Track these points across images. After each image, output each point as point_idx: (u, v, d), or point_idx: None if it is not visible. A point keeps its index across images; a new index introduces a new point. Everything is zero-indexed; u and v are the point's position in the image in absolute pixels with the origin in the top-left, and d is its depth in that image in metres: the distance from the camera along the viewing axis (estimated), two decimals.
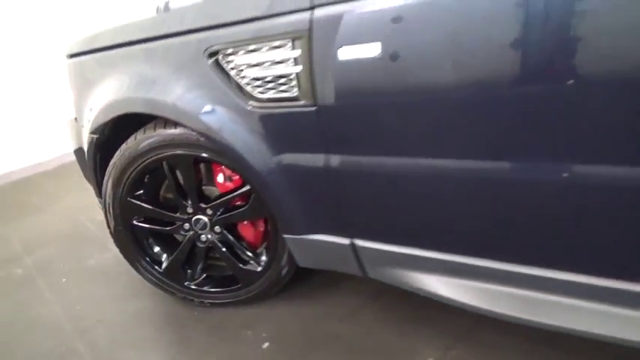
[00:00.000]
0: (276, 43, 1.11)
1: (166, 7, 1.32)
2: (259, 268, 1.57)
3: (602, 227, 0.91)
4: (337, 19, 1.00)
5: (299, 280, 1.68)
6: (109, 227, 1.63)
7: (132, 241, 1.63)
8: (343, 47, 1.01)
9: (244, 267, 1.58)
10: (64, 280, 2.01)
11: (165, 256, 1.66)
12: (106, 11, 3.81)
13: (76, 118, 1.73)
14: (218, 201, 1.49)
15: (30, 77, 3.57)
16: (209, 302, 1.67)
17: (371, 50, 0.98)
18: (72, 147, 1.81)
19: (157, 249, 1.66)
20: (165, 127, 1.40)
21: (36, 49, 3.56)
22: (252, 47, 1.15)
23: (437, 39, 0.90)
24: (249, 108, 1.21)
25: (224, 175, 1.52)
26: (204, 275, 1.66)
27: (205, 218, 1.53)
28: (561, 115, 0.84)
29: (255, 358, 1.43)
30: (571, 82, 0.81)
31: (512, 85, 0.87)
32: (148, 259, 1.66)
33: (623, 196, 0.86)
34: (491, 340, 1.34)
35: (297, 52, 1.08)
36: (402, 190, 1.11)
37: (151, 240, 1.65)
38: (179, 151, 1.41)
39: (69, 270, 2.08)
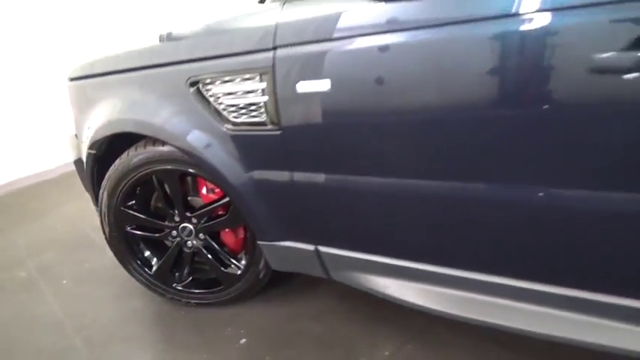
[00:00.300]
0: (247, 76, 1.28)
1: (169, 36, 1.50)
2: (239, 272, 1.74)
3: (529, 238, 1.07)
4: (295, 58, 1.18)
5: (276, 284, 1.85)
6: (104, 233, 1.80)
7: (125, 246, 1.80)
8: (300, 81, 1.18)
9: (226, 270, 1.75)
10: (64, 281, 2.19)
11: (155, 259, 1.83)
12: (107, 30, 4.01)
13: (76, 135, 1.91)
14: (202, 210, 1.66)
15: (35, 90, 3.76)
16: (195, 302, 1.84)
17: (322, 85, 1.15)
18: (72, 158, 1.99)
19: (147, 253, 1.83)
20: (154, 145, 1.58)
21: (42, 61, 3.76)
22: (227, 78, 1.33)
23: (368, 78, 1.08)
24: (225, 130, 1.38)
25: (207, 187, 1.70)
26: (190, 278, 1.82)
27: (191, 226, 1.70)
28: (493, 143, 1.01)
29: (233, 352, 1.59)
30: (509, 114, 0.97)
31: (436, 113, 1.05)
32: (139, 262, 1.83)
33: (541, 209, 1.02)
34: (442, 338, 1.51)
35: (264, 85, 1.26)
36: (354, 204, 1.28)
37: (142, 245, 1.83)
38: (167, 167, 1.59)
39: (69, 272, 2.25)
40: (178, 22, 1.50)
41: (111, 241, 1.81)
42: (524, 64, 0.92)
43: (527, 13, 0.90)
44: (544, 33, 0.89)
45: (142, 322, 1.82)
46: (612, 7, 0.83)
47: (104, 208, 1.74)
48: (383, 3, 1.06)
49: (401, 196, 1.19)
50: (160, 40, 1.49)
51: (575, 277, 1.07)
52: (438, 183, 1.12)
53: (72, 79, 1.83)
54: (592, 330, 1.07)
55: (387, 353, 1.48)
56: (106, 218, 1.76)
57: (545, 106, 0.92)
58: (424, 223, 1.22)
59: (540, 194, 1.00)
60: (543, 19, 0.89)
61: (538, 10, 0.89)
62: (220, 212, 1.67)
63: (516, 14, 0.91)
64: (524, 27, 0.90)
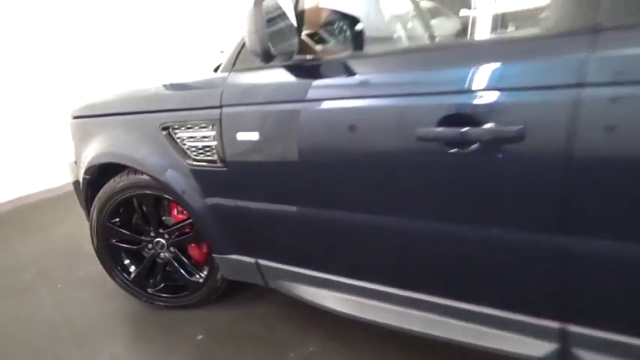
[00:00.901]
0: (203, 125, 1.68)
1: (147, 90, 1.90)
2: (202, 280, 2.10)
3: (418, 259, 1.42)
4: (235, 115, 1.58)
5: (233, 292, 2.21)
6: (93, 244, 2.19)
7: (109, 256, 2.18)
8: (239, 132, 1.58)
9: (191, 279, 2.12)
10: (59, 285, 2.56)
11: (133, 267, 2.20)
12: (111, 55, 4.48)
13: (75, 162, 2.31)
14: (172, 228, 2.05)
15: (45, 111, 4.19)
16: (165, 305, 2.20)
17: (253, 136, 1.54)
18: (71, 180, 2.39)
19: (127, 262, 2.21)
20: (135, 174, 1.97)
21: (54, 84, 4.21)
22: (189, 126, 1.73)
23: (284, 134, 1.47)
24: (187, 165, 1.78)
25: (177, 209, 2.08)
26: (162, 284, 2.19)
27: (163, 241, 2.08)
28: (383, 182, 1.38)
29: (190, 345, 1.95)
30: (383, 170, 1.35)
31: (324, 158, 1.43)
32: (120, 269, 2.20)
33: (426, 236, 1.36)
34: (356, 337, 1.86)
35: (214, 133, 1.65)
36: (280, 226, 1.65)
37: (123, 255, 2.20)
38: (144, 191, 1.98)
39: (64, 278, 2.63)
40: (156, 78, 1.92)
41: (98, 251, 2.19)
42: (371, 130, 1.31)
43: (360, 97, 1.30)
44: (375, 111, 1.28)
45: (120, 320, 2.19)
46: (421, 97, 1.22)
47: (94, 223, 2.13)
48: (294, 79, 1.45)
49: (311, 221, 1.56)
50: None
51: (450, 290, 1.41)
52: (341, 212, 1.49)
53: (74, 117, 2.24)
54: (461, 331, 1.41)
55: (311, 349, 1.83)
56: (95, 232, 2.14)
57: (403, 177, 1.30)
58: (334, 244, 1.58)
59: (424, 225, 1.34)
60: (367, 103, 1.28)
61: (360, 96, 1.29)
62: (187, 230, 2.04)
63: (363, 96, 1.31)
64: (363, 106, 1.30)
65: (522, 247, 1.19)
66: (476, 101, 1.14)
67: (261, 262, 1.80)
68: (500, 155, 1.13)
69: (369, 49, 1.83)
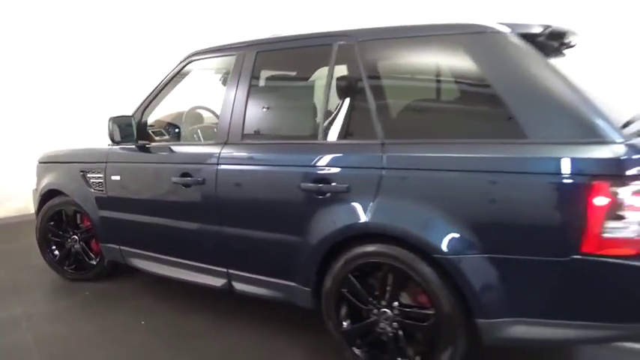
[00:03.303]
0: (99, 171, 3.28)
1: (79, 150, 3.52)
2: (95, 262, 3.60)
3: (190, 243, 2.95)
4: (111, 167, 3.18)
5: (119, 275, 3.67)
6: (36, 237, 3.70)
7: (45, 244, 3.69)
8: (112, 175, 3.17)
9: (90, 261, 3.61)
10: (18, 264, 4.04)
11: (57, 252, 3.70)
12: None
13: (36, 189, 3.88)
14: (82, 229, 3.58)
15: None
16: (73, 277, 3.67)
17: (117, 177, 3.14)
18: (34, 201, 3.94)
19: (54, 248, 3.71)
20: (65, 197, 3.54)
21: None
22: (92, 171, 3.33)
23: (130, 177, 3.07)
24: (92, 193, 3.34)
25: (85, 219, 3.62)
26: (74, 265, 3.68)
27: (76, 237, 3.61)
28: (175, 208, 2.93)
29: (79, 298, 3.40)
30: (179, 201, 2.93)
31: (149, 193, 3.01)
32: (50, 253, 3.70)
33: (188, 231, 2.89)
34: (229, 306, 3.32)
35: (102, 175, 3.24)
36: (129, 226, 3.19)
37: (52, 244, 3.71)
38: (69, 207, 3.54)
39: (23, 261, 4.11)
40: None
41: (39, 241, 3.70)
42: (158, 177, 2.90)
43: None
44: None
45: (46, 282, 3.65)
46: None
47: (38, 224, 3.67)
48: (137, 151, 3.07)
49: (145, 223, 3.10)
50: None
51: (192, 256, 2.92)
52: (167, 220, 3.02)
53: (40, 162, 3.85)
54: (195, 275, 2.91)
55: (149, 301, 3.30)
56: (39, 229, 3.67)
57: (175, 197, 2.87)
58: (156, 236, 3.11)
59: (189, 225, 2.88)
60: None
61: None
62: (91, 228, 3.57)
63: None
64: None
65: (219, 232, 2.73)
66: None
67: (121, 247, 3.32)
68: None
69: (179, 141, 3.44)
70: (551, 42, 2.13)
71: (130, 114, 3.04)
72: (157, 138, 3.21)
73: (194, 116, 3.44)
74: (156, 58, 5.27)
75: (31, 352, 2.67)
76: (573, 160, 1.74)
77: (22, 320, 3.06)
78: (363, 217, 2.13)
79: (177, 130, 3.22)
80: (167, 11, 6.23)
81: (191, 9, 6.34)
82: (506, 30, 1.97)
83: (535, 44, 1.98)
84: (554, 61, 2.04)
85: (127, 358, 2.59)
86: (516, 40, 1.94)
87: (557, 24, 2.23)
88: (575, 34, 2.29)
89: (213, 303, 3.09)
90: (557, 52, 2.19)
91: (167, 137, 3.26)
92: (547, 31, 2.03)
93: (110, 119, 2.93)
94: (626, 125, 1.95)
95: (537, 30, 2.01)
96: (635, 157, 1.69)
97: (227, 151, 2.60)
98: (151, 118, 3.22)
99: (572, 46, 2.38)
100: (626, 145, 1.72)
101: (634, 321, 1.77)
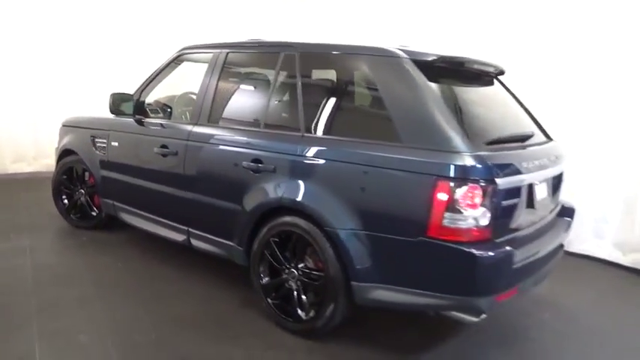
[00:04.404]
0: (103, 137, 3.95)
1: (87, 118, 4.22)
2: (95, 214, 4.29)
3: (165, 205, 3.57)
4: (112, 134, 3.83)
5: (116, 229, 4.34)
6: (52, 186, 4.42)
7: (58, 194, 4.39)
8: (112, 142, 3.82)
9: (91, 212, 4.30)
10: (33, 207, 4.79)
11: (67, 202, 4.41)
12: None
13: (57, 147, 4.61)
14: (88, 184, 4.27)
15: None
16: (77, 225, 4.36)
17: (115, 143, 3.79)
18: (55, 155, 4.67)
19: (64, 197, 4.42)
20: (77, 156, 4.24)
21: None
22: (99, 137, 4.00)
23: (127, 144, 3.71)
24: (97, 154, 4.02)
25: (91, 177, 4.31)
26: (79, 214, 4.38)
27: (83, 191, 4.30)
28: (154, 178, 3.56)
29: (78, 242, 4.08)
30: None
31: (141, 161, 3.64)
32: (61, 202, 4.41)
33: (161, 193, 3.51)
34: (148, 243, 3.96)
35: (106, 140, 3.91)
36: (123, 186, 3.84)
37: (63, 195, 4.41)
38: (79, 165, 4.23)
39: (39, 206, 4.86)
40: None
41: (53, 191, 4.42)
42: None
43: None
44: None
45: (55, 226, 4.36)
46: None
47: (55, 176, 4.39)
48: (133, 123, 3.70)
49: (133, 184, 3.74)
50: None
51: (163, 214, 3.54)
52: (148, 183, 3.65)
53: (63, 125, 4.57)
54: (164, 230, 3.52)
55: (133, 253, 3.95)
56: (54, 180, 4.38)
57: (154, 165, 3.49)
58: (139, 196, 3.75)
59: (163, 188, 3.50)
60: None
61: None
62: (94, 185, 4.25)
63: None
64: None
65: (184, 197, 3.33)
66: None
67: (114, 202, 3.97)
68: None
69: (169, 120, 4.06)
70: (450, 67, 2.60)
71: (132, 93, 3.68)
72: (152, 115, 3.82)
73: (185, 99, 4.04)
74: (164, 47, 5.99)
75: (27, 272, 3.35)
76: (426, 163, 2.22)
77: (27, 250, 3.76)
78: (281, 193, 2.66)
79: (169, 110, 3.83)
80: (176, 8, 6.97)
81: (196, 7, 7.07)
82: (403, 55, 2.45)
83: (434, 69, 2.47)
84: (446, 84, 2.52)
85: (98, 286, 3.22)
86: (408, 65, 2.42)
87: (470, 54, 2.69)
88: (479, 63, 2.74)
89: (182, 256, 3.70)
90: (464, 76, 2.68)
91: (161, 115, 3.87)
92: (439, 58, 2.49)
93: (111, 95, 3.57)
94: (492, 142, 2.41)
95: (430, 58, 2.48)
96: (471, 165, 2.15)
97: (196, 130, 3.19)
98: (150, 98, 3.84)
99: (494, 73, 2.86)
100: (470, 155, 2.18)
101: (463, 294, 2.24)
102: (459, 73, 2.70)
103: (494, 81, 3.13)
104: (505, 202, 2.30)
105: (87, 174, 4.28)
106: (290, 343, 2.65)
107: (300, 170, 2.61)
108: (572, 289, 3.74)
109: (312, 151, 2.59)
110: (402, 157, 2.30)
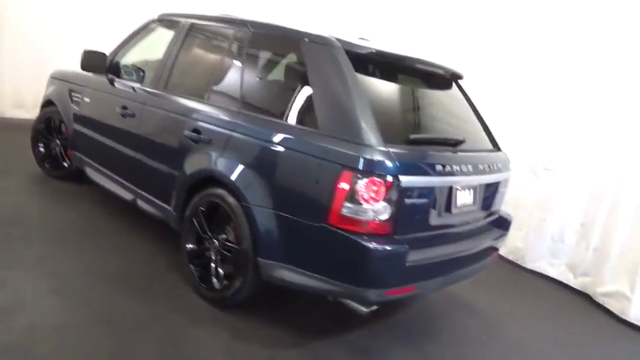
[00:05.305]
0: (78, 92, 4.09)
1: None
2: (66, 165, 4.45)
3: (125, 165, 3.70)
4: (86, 90, 3.97)
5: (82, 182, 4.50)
6: (32, 133, 4.60)
7: (35, 143, 4.56)
8: (84, 97, 3.96)
9: (63, 163, 4.47)
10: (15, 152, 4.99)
11: (42, 149, 4.58)
12: None
13: (44, 96, 4.77)
14: (63, 136, 4.43)
15: None
16: (50, 174, 4.54)
17: (87, 99, 3.92)
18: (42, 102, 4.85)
19: (41, 146, 4.59)
20: (55, 107, 4.39)
21: None
22: (75, 91, 4.14)
23: (96, 101, 3.84)
24: (72, 109, 4.17)
25: (65, 129, 4.48)
26: (52, 164, 4.55)
27: (58, 141, 4.47)
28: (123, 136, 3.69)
29: (52, 187, 4.26)
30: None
31: (108, 120, 3.77)
32: (37, 150, 4.59)
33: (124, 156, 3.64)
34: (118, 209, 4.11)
35: (81, 95, 4.04)
36: (93, 143, 3.98)
37: (41, 144, 4.58)
38: (57, 116, 4.39)
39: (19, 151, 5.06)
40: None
41: (32, 138, 4.59)
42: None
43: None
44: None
45: (28, 171, 4.55)
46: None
47: (35, 124, 4.56)
48: (104, 82, 3.82)
49: (99, 141, 3.87)
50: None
51: (117, 172, 3.67)
52: (109, 141, 3.78)
53: (51, 76, 4.72)
54: (117, 188, 3.66)
55: (86, 207, 4.11)
56: (34, 128, 4.55)
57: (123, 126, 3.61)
58: (101, 152, 3.88)
59: (119, 147, 3.62)
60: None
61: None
62: (67, 137, 4.40)
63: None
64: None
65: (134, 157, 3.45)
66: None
67: (82, 156, 4.12)
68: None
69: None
70: (391, 64, 2.63)
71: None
72: (126, 77, 3.93)
73: (157, 64, 4.14)
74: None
75: None
76: (334, 151, 2.27)
77: None
78: (211, 165, 2.75)
79: (142, 73, 3.94)
80: None
81: None
82: (336, 44, 2.49)
83: (369, 63, 2.51)
84: (386, 80, 2.57)
85: (42, 231, 3.38)
86: (339, 54, 2.46)
87: (406, 49, 2.71)
88: (425, 63, 2.75)
89: (133, 215, 3.82)
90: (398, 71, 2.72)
91: (134, 77, 3.97)
92: (375, 52, 2.52)
93: (83, 51, 3.68)
94: (414, 142, 2.45)
95: (365, 51, 2.51)
96: (376, 159, 2.19)
97: (152, 95, 3.29)
98: (126, 60, 3.94)
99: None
100: (377, 150, 2.22)
101: (353, 283, 2.29)
102: (406, 71, 2.73)
103: (453, 85, 3.14)
104: (410, 201, 2.34)
105: (63, 126, 4.43)
106: (199, 310, 2.75)
107: (232, 145, 2.69)
108: (510, 302, 3.75)
109: (242, 127, 2.66)
110: (315, 143, 2.35)
